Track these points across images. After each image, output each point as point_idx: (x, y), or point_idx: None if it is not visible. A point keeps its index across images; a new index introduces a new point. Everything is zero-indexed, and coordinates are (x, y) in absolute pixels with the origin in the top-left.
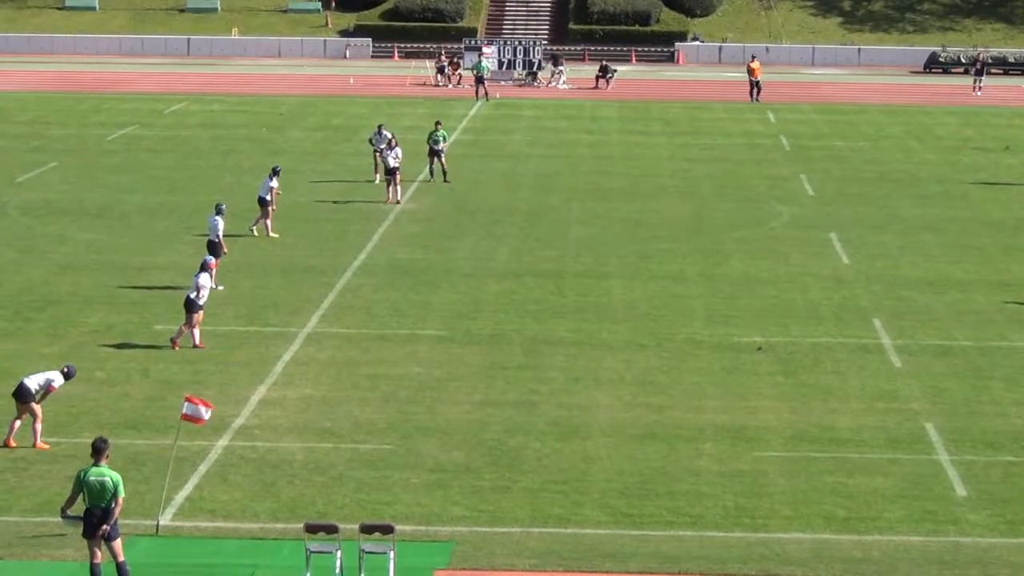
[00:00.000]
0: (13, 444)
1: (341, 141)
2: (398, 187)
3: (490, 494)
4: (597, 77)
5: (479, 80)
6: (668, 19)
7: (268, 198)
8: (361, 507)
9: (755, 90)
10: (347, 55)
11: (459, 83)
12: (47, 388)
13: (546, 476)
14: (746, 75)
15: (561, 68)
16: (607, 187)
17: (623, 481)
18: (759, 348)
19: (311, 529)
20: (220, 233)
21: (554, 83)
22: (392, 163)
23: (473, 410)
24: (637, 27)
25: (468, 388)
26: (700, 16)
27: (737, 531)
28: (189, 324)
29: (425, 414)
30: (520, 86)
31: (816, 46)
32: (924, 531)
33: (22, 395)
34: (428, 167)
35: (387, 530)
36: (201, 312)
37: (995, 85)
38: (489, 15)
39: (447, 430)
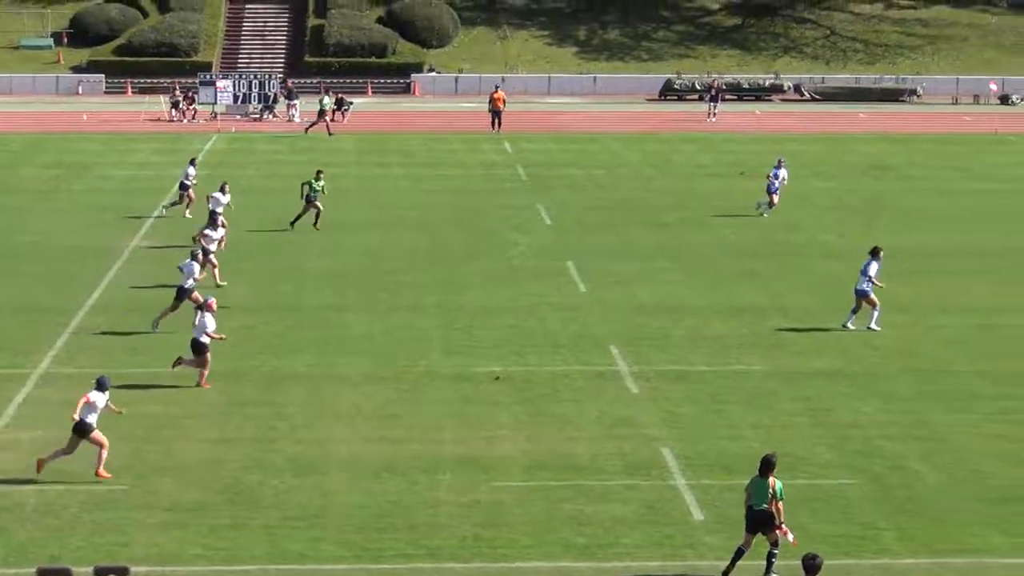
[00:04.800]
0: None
1: (74, 179)
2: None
3: (227, 532)
4: (332, 110)
5: (321, 114)
6: (404, 51)
7: None
8: (95, 550)
9: (496, 120)
10: (80, 91)
11: (194, 118)
12: (92, 410)
13: (284, 512)
14: (487, 104)
15: (294, 102)
16: (345, 220)
17: (361, 516)
18: (496, 378)
19: (44, 574)
20: (193, 278)
21: (289, 117)
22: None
23: (210, 448)
24: (373, 59)
25: (206, 425)
26: (436, 47)
27: (476, 561)
28: (199, 364)
29: (161, 453)
30: (255, 120)
31: (552, 75)
32: (662, 555)
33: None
34: (300, 213)
35: (122, 572)
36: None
37: (730, 111)
38: (224, 49)
39: (183, 468)
